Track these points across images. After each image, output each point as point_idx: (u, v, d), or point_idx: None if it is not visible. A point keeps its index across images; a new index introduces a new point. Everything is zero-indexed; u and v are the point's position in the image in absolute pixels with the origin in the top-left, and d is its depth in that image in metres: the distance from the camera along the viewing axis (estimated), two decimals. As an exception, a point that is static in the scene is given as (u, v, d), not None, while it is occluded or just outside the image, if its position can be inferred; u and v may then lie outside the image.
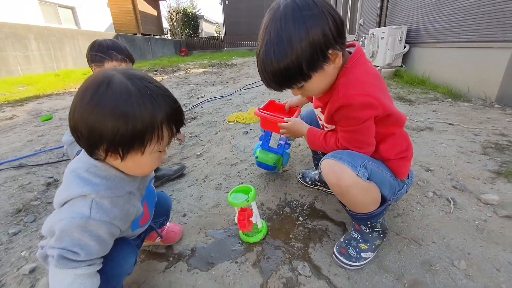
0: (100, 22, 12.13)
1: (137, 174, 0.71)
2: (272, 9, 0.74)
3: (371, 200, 0.85)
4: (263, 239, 1.07)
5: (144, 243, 1.02)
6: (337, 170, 0.81)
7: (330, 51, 0.73)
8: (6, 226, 1.28)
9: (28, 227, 1.27)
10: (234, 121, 2.61)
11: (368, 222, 0.92)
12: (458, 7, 3.22)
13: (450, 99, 2.91)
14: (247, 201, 0.98)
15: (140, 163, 0.65)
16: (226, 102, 3.44)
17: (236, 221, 1.01)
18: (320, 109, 1.00)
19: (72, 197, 0.62)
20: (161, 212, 0.99)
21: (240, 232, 1.08)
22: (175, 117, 0.64)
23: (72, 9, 10.59)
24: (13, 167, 1.83)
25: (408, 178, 0.98)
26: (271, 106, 1.49)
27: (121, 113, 0.57)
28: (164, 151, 0.69)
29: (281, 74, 0.75)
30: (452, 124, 2.13)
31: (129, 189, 0.69)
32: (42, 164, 1.89)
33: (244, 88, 4.29)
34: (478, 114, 2.36)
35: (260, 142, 1.46)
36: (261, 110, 1.32)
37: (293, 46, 0.70)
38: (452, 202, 1.19)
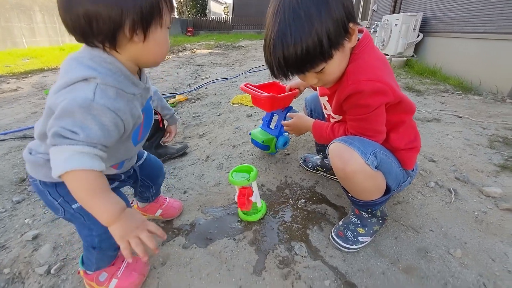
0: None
1: (157, 57, 0.66)
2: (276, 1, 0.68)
3: (375, 189, 0.84)
4: (262, 218, 1.08)
5: (144, 215, 1.04)
6: (345, 155, 0.79)
7: (351, 25, 0.70)
8: (10, 194, 1.30)
9: (32, 196, 1.29)
10: (238, 103, 2.58)
11: (369, 209, 0.92)
12: (478, -5, 3.07)
13: (460, 92, 2.84)
14: (248, 180, 0.98)
15: (160, 40, 0.62)
16: (231, 84, 3.40)
17: (236, 199, 1.02)
18: (326, 98, 0.97)
19: (73, 81, 0.55)
20: (155, 174, 1.01)
21: (240, 210, 1.09)
22: None
23: (78, -19, 10.33)
24: (17, 138, 1.84)
25: (413, 170, 0.98)
26: (273, 86, 1.46)
27: None
28: (168, 30, 0.65)
29: (300, 56, 0.66)
30: (460, 117, 2.09)
31: (132, 91, 0.64)
32: (46, 136, 1.90)
33: (250, 71, 4.21)
34: (488, 108, 2.30)
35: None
36: (248, 86, 1.29)
37: (313, 21, 0.63)
38: (453, 193, 1.19)
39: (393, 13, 5.09)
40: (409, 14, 4.03)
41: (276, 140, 1.42)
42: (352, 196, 0.90)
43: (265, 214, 1.10)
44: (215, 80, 3.61)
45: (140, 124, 0.71)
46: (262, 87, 1.41)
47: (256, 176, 1.02)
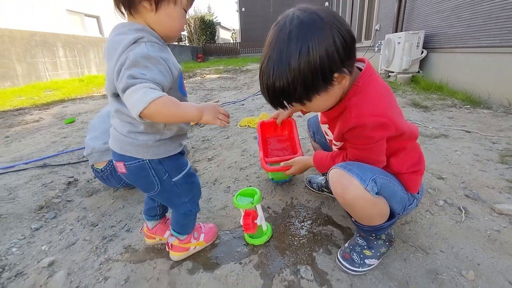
0: (122, 30, 12.71)
1: (169, 31, 0.77)
2: (277, 25, 0.69)
3: (377, 214, 0.84)
4: (268, 241, 1.09)
5: (149, 240, 1.14)
6: (344, 182, 0.79)
7: (335, 75, 0.68)
8: (29, 222, 1.37)
9: (49, 223, 1.36)
10: (245, 125, 2.65)
11: (373, 234, 0.91)
12: (479, 11, 3.13)
13: (468, 106, 2.81)
14: (252, 204, 1.00)
15: (172, 14, 0.74)
16: (239, 107, 3.50)
17: (241, 223, 1.04)
18: (327, 125, 0.98)
19: (127, 45, 0.68)
20: None
21: (245, 234, 1.10)
22: None
23: (97, 18, 11.18)
24: (38, 167, 1.96)
25: (418, 193, 0.97)
26: (264, 128, 1.50)
27: None
28: (185, 16, 0.78)
29: (278, 94, 0.71)
30: (469, 132, 2.06)
31: (166, 46, 0.78)
32: (64, 165, 2.00)
33: (257, 94, 4.34)
34: (498, 122, 2.26)
35: None
36: (267, 162, 1.29)
37: (291, 69, 0.65)
38: (463, 211, 1.16)
39: (396, 31, 5.20)
40: (411, 32, 4.11)
41: None
42: (355, 221, 0.90)
43: (271, 237, 1.11)
44: (223, 104, 3.73)
45: (182, 77, 0.85)
46: (263, 141, 1.48)
47: (261, 199, 1.04)
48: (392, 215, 0.87)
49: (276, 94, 0.71)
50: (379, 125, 0.74)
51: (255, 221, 1.03)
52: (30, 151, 2.31)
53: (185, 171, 0.93)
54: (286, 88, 0.68)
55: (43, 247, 1.18)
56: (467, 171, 1.48)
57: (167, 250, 1.04)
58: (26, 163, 2.01)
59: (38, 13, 8.09)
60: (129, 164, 0.83)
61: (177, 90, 0.83)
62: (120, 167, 0.85)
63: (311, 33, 0.64)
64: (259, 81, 0.75)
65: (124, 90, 0.65)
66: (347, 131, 0.80)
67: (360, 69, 0.80)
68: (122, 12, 0.74)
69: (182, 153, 0.97)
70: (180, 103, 0.72)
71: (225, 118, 0.81)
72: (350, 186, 0.78)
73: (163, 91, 0.69)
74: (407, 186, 0.90)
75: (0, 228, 1.30)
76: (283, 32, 0.66)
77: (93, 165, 1.52)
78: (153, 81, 0.67)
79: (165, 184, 0.88)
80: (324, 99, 0.75)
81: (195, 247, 1.07)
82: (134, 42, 0.69)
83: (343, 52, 0.66)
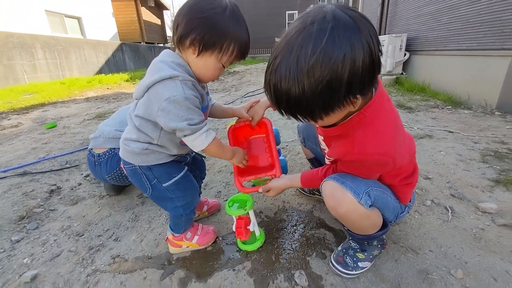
0: (105, 31, 12.36)
1: (201, 75, 0.87)
2: (303, 21, 0.56)
3: (370, 226, 0.85)
4: (261, 247, 1.08)
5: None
6: (338, 195, 0.78)
7: (351, 98, 0.59)
8: (9, 233, 1.30)
9: (31, 234, 1.29)
10: (235, 128, 2.63)
11: (365, 242, 0.92)
12: (457, 15, 3.26)
13: (450, 107, 2.92)
14: (245, 210, 0.99)
15: (209, 64, 0.83)
16: (228, 110, 3.48)
17: (234, 229, 1.02)
18: (322, 137, 0.93)
19: (163, 77, 0.77)
20: (200, 166, 1.28)
21: (238, 240, 1.09)
22: (245, 47, 0.85)
23: (78, 19, 10.82)
24: (17, 175, 1.86)
25: (410, 201, 0.97)
26: (236, 133, 1.21)
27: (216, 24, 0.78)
28: (223, 69, 0.88)
29: (292, 103, 0.61)
30: (452, 132, 2.14)
31: (196, 82, 0.86)
32: (46, 172, 1.92)
33: (246, 96, 4.33)
34: (478, 122, 2.36)
35: None
36: (243, 188, 1.11)
37: (310, 83, 0.55)
38: (450, 211, 1.20)
39: (379, 34, 5.35)
40: (394, 35, 4.24)
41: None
42: (348, 229, 0.91)
43: (264, 242, 1.10)
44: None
45: (204, 109, 0.94)
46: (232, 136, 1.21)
47: (253, 205, 1.04)
48: (385, 225, 0.88)
49: (288, 101, 0.60)
50: (379, 163, 0.74)
51: (248, 227, 1.02)
52: (8, 158, 2.20)
53: (176, 178, 0.98)
54: (301, 98, 0.58)
55: (24, 260, 1.12)
56: (451, 170, 1.53)
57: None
58: (5, 171, 1.91)
59: (15, 13, 7.75)
60: (126, 167, 0.96)
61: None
62: (124, 169, 0.98)
63: (340, 44, 0.53)
64: (267, 80, 0.63)
65: (185, 135, 0.82)
66: (346, 160, 0.79)
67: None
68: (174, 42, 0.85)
69: (178, 161, 1.03)
70: (223, 146, 0.94)
71: (245, 162, 1.08)
72: (343, 200, 0.77)
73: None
74: (398, 197, 0.90)
75: (-23, 242, 1.23)
76: (314, 30, 0.54)
77: (91, 149, 1.47)
78: (199, 122, 0.82)
79: (156, 188, 0.97)
80: (332, 118, 0.67)
81: (187, 247, 1.10)
82: (170, 78, 0.78)
83: (368, 74, 0.57)
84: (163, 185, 0.96)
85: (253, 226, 1.04)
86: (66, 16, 10.15)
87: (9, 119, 3.62)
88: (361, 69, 0.55)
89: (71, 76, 8.09)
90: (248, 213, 1.03)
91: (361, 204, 0.76)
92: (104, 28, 12.29)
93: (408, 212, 1.00)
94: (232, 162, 1.03)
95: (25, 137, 2.80)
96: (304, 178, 0.99)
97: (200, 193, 1.32)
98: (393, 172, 0.85)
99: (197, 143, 0.84)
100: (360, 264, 0.92)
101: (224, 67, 0.86)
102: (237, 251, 1.08)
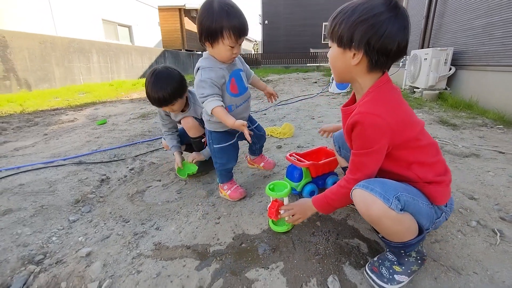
0: (151, 39, 13.39)
1: (220, 58, 1.27)
2: None
3: (405, 231, 0.84)
4: (289, 231, 1.21)
5: (253, 165, 1.85)
6: (368, 201, 0.81)
7: (352, 49, 0.82)
8: (67, 214, 1.47)
9: (85, 216, 1.44)
10: (268, 135, 2.69)
11: (402, 251, 0.90)
12: (512, 30, 3.04)
13: (501, 126, 2.70)
14: (281, 194, 1.16)
15: (220, 50, 1.22)
16: (261, 117, 3.56)
17: (267, 208, 1.18)
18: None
19: (196, 70, 1.31)
20: (259, 136, 1.67)
21: (269, 220, 1.23)
22: (238, 29, 1.16)
23: (129, 27, 11.87)
24: (74, 163, 2.09)
25: (446, 206, 0.95)
26: (321, 152, 1.61)
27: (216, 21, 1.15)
28: (233, 48, 1.21)
29: (331, 28, 0.86)
30: (503, 152, 1.98)
31: (219, 67, 1.28)
32: (97, 163, 2.13)
33: (279, 104, 4.40)
34: (534, 144, 2.16)
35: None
36: (293, 155, 1.47)
37: (350, 18, 0.80)
38: (498, 234, 1.12)
39: (422, 47, 5.13)
40: (439, 49, 4.04)
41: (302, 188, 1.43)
42: (382, 237, 0.90)
43: (292, 228, 1.22)
44: (246, 113, 3.80)
45: (229, 82, 1.31)
46: (309, 152, 1.57)
47: (289, 192, 1.19)
48: (420, 230, 0.86)
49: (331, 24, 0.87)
50: (374, 125, 0.81)
51: (279, 211, 1.15)
52: (67, 148, 2.47)
53: (221, 145, 1.44)
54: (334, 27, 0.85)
55: (79, 238, 1.26)
56: (501, 193, 1.42)
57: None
58: (64, 160, 2.15)
59: (77, 21, 8.73)
60: (207, 130, 1.49)
61: (226, 93, 1.33)
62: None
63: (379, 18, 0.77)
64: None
65: (202, 102, 1.28)
66: (351, 130, 0.87)
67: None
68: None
69: (230, 132, 1.43)
70: (223, 113, 1.25)
71: (246, 129, 1.23)
72: (373, 205, 0.80)
73: (218, 95, 1.27)
74: (433, 197, 0.90)
75: (42, 218, 1.40)
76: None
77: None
78: (211, 95, 1.24)
79: (210, 146, 1.48)
80: (336, 52, 0.88)
81: (224, 195, 1.54)
82: (198, 69, 1.29)
83: (372, 38, 0.78)
84: (214, 146, 1.45)
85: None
86: (119, 24, 11.19)
87: (66, 115, 4.06)
88: (385, 36, 0.77)
89: (119, 79, 8.84)
90: (283, 199, 1.18)
91: (392, 209, 0.78)
92: (150, 36, 13.31)
93: (446, 219, 0.97)
94: (234, 127, 1.24)
95: (80, 131, 3.12)
96: (317, 203, 1.03)
97: (261, 152, 1.80)
98: (426, 166, 0.89)
99: (207, 107, 1.26)
100: (396, 277, 0.90)
101: (232, 47, 1.20)
102: (270, 249, 1.11)
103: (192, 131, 1.76)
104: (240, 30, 1.16)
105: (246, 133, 1.21)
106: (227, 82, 1.30)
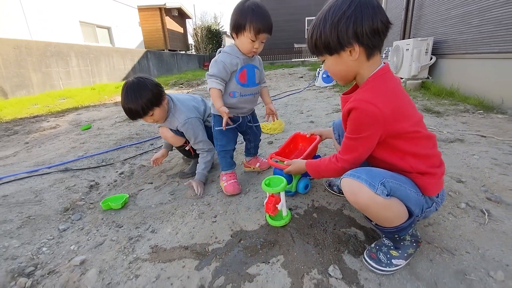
0: (132, 40, 13.05)
1: (242, 49, 1.39)
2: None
3: (394, 215, 0.86)
4: (286, 225, 1.22)
5: (249, 167, 1.85)
6: (355, 189, 0.85)
7: (348, 46, 0.84)
8: (56, 223, 1.41)
9: (75, 224, 1.40)
10: (258, 131, 2.68)
11: (396, 236, 0.92)
12: (488, 18, 3.16)
13: (481, 111, 2.81)
14: (277, 189, 1.14)
15: (243, 42, 1.35)
16: (250, 114, 3.54)
17: (264, 203, 1.18)
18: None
19: (219, 50, 1.46)
20: (255, 134, 1.77)
21: (267, 215, 1.24)
22: (260, 25, 1.29)
23: (108, 29, 11.51)
24: (60, 171, 2.02)
25: (438, 197, 0.97)
26: (297, 139, 1.68)
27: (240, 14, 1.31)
28: (254, 42, 1.33)
29: (313, 45, 0.92)
30: (485, 136, 2.06)
31: (237, 55, 1.41)
32: (85, 169, 2.06)
33: (267, 100, 4.38)
34: (513, 126, 2.26)
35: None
36: (273, 157, 1.50)
37: (325, 29, 0.85)
38: (486, 214, 1.16)
39: (403, 38, 5.25)
40: (419, 39, 4.15)
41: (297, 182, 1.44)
42: (376, 224, 0.92)
43: (289, 221, 1.23)
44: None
45: (239, 71, 1.43)
46: (287, 144, 1.62)
47: (285, 187, 1.18)
48: (410, 214, 0.89)
49: (312, 44, 0.93)
50: (367, 112, 0.83)
51: (276, 205, 1.15)
52: (51, 156, 2.38)
53: (220, 128, 1.48)
54: (317, 44, 0.90)
55: (72, 247, 1.22)
56: (486, 174, 1.48)
57: None
58: (49, 167, 2.07)
59: (53, 24, 8.39)
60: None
61: (234, 80, 1.45)
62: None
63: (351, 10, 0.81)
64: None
65: (206, 79, 1.42)
66: (347, 115, 0.90)
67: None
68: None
69: (230, 118, 1.44)
70: (216, 96, 1.39)
71: (226, 116, 1.37)
72: (360, 192, 0.84)
73: (223, 79, 1.41)
74: (425, 188, 0.91)
75: (30, 229, 1.35)
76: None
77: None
78: (215, 76, 1.39)
79: (213, 128, 1.59)
80: (335, 61, 0.91)
81: (221, 185, 1.60)
82: (219, 52, 1.45)
83: (364, 32, 0.81)
84: (215, 128, 1.57)
85: (281, 206, 1.18)
86: (98, 26, 10.83)
87: (48, 121, 3.91)
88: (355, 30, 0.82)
89: (101, 82, 8.58)
90: (279, 193, 1.17)
91: (378, 194, 0.81)
92: (131, 36, 12.96)
93: (436, 209, 1.00)
94: (219, 111, 1.38)
95: (64, 138, 3.01)
96: (308, 164, 1.15)
97: (256, 153, 1.87)
98: (421, 157, 0.91)
99: (208, 85, 1.41)
100: (394, 261, 0.92)
101: (253, 41, 1.32)
102: (271, 245, 1.11)
103: (170, 141, 1.79)
104: (260, 26, 1.29)
105: (225, 120, 1.37)
106: (238, 70, 1.42)
